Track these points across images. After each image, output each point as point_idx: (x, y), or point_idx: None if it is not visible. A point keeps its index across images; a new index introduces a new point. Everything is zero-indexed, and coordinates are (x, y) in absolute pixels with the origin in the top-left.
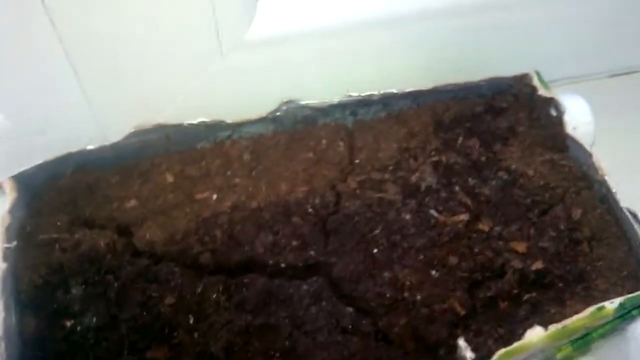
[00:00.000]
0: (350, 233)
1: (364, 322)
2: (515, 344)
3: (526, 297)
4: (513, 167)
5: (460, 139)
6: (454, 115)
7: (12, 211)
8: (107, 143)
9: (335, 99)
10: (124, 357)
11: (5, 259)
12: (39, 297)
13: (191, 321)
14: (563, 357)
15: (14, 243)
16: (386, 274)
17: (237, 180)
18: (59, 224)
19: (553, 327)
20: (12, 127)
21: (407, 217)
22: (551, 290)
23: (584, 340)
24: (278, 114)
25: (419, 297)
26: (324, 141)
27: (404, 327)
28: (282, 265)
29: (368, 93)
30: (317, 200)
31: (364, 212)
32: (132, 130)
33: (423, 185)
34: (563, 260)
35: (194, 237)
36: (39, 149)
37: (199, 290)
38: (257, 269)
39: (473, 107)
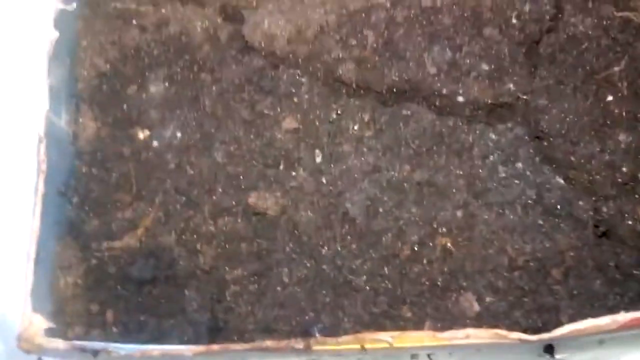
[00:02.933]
0: (574, 66)
1: (580, 203)
2: None
3: None
4: None
5: None
6: None
7: None
8: None
9: None
10: (217, 196)
11: (57, 25)
12: (103, 91)
13: (318, 159)
14: None
15: (74, 5)
16: (623, 137)
17: None
18: None
19: None
20: None
21: None
22: None
23: None
24: None
25: None
26: None
27: None
28: (460, 98)
29: None
30: (526, 8)
31: (598, 37)
32: None
33: None
34: None
35: (334, 37)
36: None
37: (334, 115)
38: (423, 98)
39: None
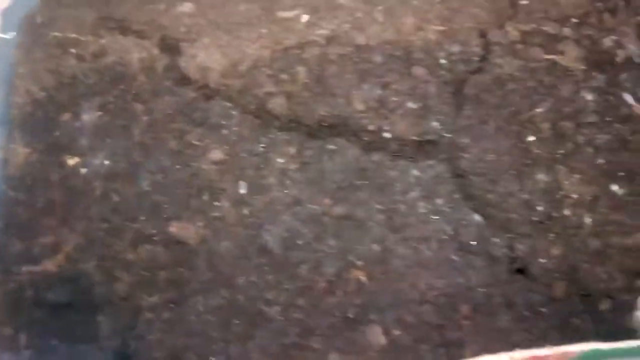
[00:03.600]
0: (497, 106)
1: (495, 240)
2: None
3: None
4: None
5: None
6: None
7: None
8: None
9: None
10: (138, 222)
11: None
12: (37, 118)
13: (242, 190)
14: None
15: (13, 35)
16: (541, 176)
17: (342, 0)
18: (81, 21)
19: None
20: None
21: (589, 97)
22: None
23: None
24: None
25: (588, 220)
26: None
27: (558, 261)
28: (387, 134)
29: None
30: (455, 49)
31: (524, 79)
32: None
33: (621, 56)
34: None
35: (266, 72)
36: None
37: (261, 148)
38: (350, 133)
39: None
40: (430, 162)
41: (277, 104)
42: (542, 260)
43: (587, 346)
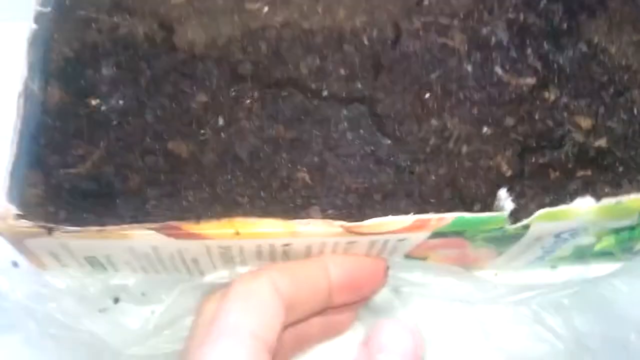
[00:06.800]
0: (404, 73)
1: (401, 156)
2: (561, 207)
3: (580, 173)
4: (595, 40)
5: (544, 1)
6: None
7: None
8: None
9: None
10: (145, 143)
11: (36, 21)
12: (68, 70)
13: (220, 122)
14: (601, 249)
15: (49, 9)
16: (434, 121)
17: None
18: (99, 5)
19: (605, 201)
20: None
21: (469, 68)
22: (609, 172)
23: (630, 233)
24: None
25: (464, 150)
26: None
27: (444, 177)
28: (325, 92)
29: None
30: (375, 33)
31: (423, 55)
32: None
33: (493, 40)
34: (630, 144)
35: (237, 45)
36: None
37: (233, 93)
38: (298, 91)
39: None
40: (356, 104)
41: (245, 69)
42: (432, 177)
43: (457, 214)
